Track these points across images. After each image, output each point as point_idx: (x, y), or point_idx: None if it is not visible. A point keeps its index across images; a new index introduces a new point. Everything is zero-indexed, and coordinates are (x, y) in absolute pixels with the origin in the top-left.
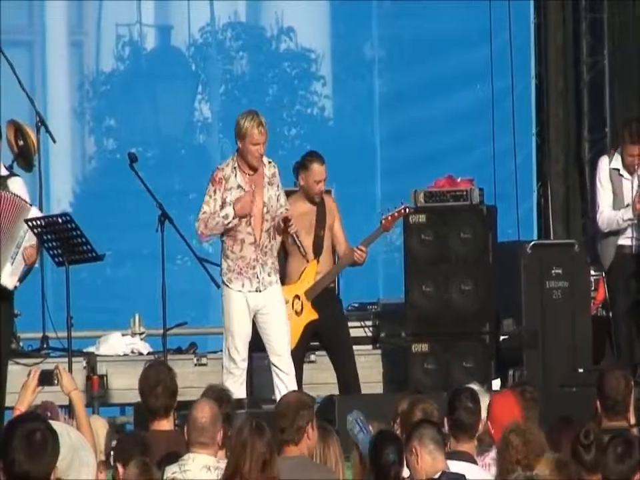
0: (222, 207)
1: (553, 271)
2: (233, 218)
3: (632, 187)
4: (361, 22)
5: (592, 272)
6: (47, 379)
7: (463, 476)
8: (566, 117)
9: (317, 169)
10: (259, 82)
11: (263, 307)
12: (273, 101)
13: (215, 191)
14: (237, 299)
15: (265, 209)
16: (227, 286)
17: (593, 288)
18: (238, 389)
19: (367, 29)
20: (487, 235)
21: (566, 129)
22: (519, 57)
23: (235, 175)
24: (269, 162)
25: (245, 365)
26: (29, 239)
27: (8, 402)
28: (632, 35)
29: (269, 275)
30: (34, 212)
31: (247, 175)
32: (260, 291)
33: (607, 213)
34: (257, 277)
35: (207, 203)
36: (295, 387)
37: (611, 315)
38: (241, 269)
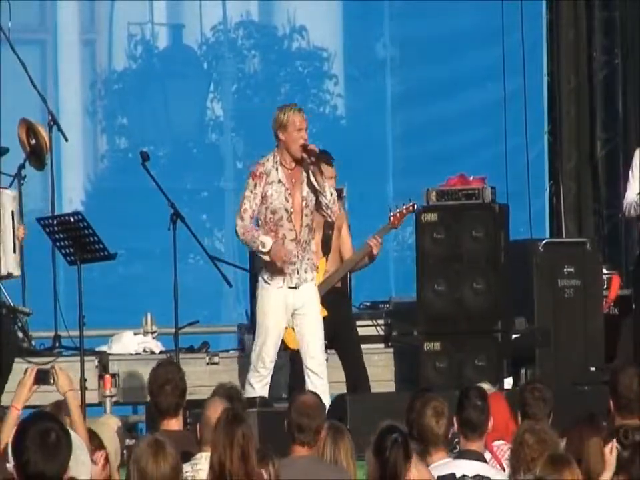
0: (262, 201)
1: (565, 270)
2: (265, 253)
3: None
4: (373, 21)
5: (604, 270)
6: (43, 377)
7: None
8: (578, 114)
9: (326, 169)
10: (271, 81)
11: (300, 307)
12: (285, 99)
13: (255, 186)
14: (274, 296)
15: (304, 203)
16: (267, 282)
17: (605, 286)
18: (261, 388)
19: (379, 28)
20: (499, 233)
21: (578, 127)
22: (531, 55)
23: (276, 170)
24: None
25: (272, 365)
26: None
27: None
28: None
29: (305, 272)
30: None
31: (288, 170)
32: (298, 287)
33: (627, 199)
34: (297, 273)
35: (248, 199)
36: (327, 391)
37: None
38: (280, 265)
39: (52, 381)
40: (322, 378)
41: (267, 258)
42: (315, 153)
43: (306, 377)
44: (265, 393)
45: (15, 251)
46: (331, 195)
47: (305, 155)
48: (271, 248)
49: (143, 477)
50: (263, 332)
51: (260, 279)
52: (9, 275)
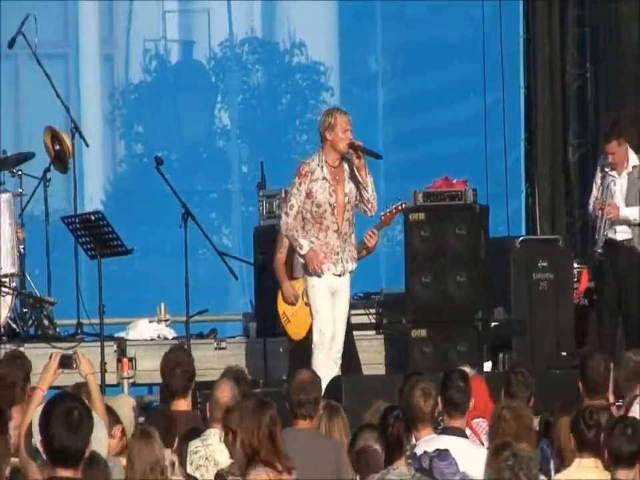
0: (307, 196)
1: (539, 264)
2: (302, 255)
3: (622, 185)
4: (366, 37)
5: (575, 265)
6: (66, 362)
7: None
8: (552, 123)
9: None
10: (273, 92)
11: (336, 291)
12: (286, 109)
13: (300, 184)
14: (322, 286)
15: (347, 199)
16: (314, 275)
17: (575, 279)
18: (331, 366)
19: (371, 44)
20: (480, 231)
21: (552, 135)
22: (510, 70)
23: (321, 168)
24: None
25: (330, 343)
26: None
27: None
28: (612, 49)
29: (347, 262)
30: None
31: (332, 168)
32: (341, 275)
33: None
34: (340, 262)
35: (294, 196)
36: (338, 364)
37: (595, 297)
38: (325, 255)
39: (74, 365)
40: (338, 356)
41: (302, 260)
42: (362, 148)
43: (334, 358)
44: (335, 370)
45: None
46: (373, 190)
47: (352, 151)
48: (307, 252)
49: (132, 464)
50: (317, 317)
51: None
52: (12, 274)
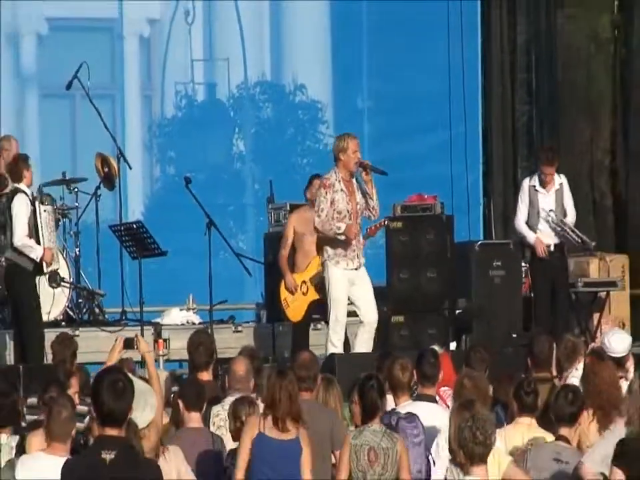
0: (331, 204)
1: (494, 263)
2: (341, 233)
3: (549, 201)
4: (355, 82)
5: (522, 264)
6: (129, 344)
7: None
8: (504, 149)
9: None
10: (280, 125)
11: (355, 280)
12: (291, 139)
13: (327, 193)
14: (341, 277)
15: (358, 207)
16: (335, 267)
17: (523, 276)
18: (340, 345)
19: (359, 86)
20: (446, 236)
21: (504, 159)
22: (471, 109)
23: (339, 182)
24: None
25: (344, 332)
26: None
27: (100, 358)
28: (550, 92)
29: (359, 257)
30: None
31: (346, 182)
32: (357, 269)
33: (520, 226)
34: (357, 257)
35: (323, 202)
36: (372, 337)
37: (532, 294)
38: (345, 253)
39: (135, 346)
40: (370, 330)
41: (342, 237)
42: (370, 167)
43: (360, 330)
44: (341, 348)
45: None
46: (376, 200)
47: (361, 168)
48: (346, 227)
49: None
50: (336, 304)
51: (328, 264)
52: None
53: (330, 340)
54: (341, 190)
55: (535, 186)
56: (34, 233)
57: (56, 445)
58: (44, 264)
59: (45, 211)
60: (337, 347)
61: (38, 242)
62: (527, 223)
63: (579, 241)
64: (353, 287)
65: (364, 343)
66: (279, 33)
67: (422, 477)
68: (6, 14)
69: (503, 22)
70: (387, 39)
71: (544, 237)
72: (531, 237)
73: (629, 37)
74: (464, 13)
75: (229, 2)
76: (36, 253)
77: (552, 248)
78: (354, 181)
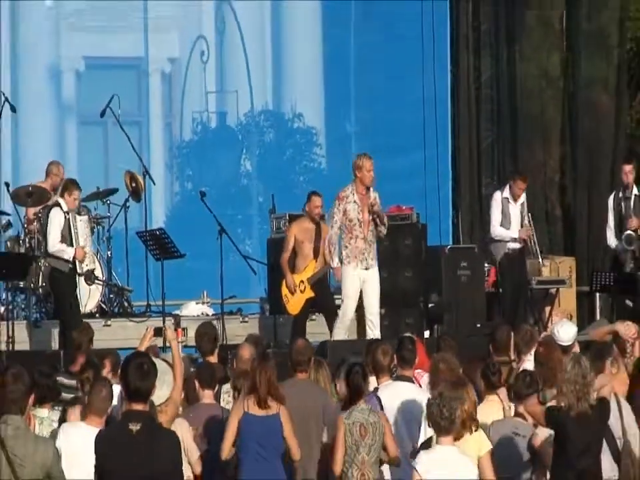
0: (344, 213)
1: (461, 264)
2: (332, 266)
3: (516, 211)
4: (344, 110)
5: (485, 265)
6: (158, 332)
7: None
8: (470, 168)
9: (316, 200)
10: (281, 147)
11: (365, 279)
12: (290, 160)
13: (339, 204)
14: (352, 274)
15: (370, 217)
16: (348, 267)
17: (486, 275)
18: (344, 334)
19: (347, 114)
20: (421, 242)
21: (470, 176)
22: (442, 133)
23: (353, 194)
24: (374, 190)
25: (351, 319)
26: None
27: (128, 344)
28: (512, 118)
29: (371, 260)
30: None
31: (360, 195)
32: (367, 269)
33: (499, 229)
34: (366, 260)
35: (336, 214)
36: (378, 327)
37: (500, 290)
38: (356, 255)
39: (163, 335)
40: (375, 326)
41: (334, 265)
42: (378, 213)
43: (367, 324)
44: (345, 336)
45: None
46: (385, 219)
47: (372, 213)
48: (335, 265)
49: None
50: (346, 299)
51: (343, 264)
52: (93, 270)
53: (337, 327)
54: (354, 202)
55: (507, 198)
56: (68, 239)
57: (93, 417)
58: (77, 262)
59: (81, 220)
60: (341, 335)
61: (71, 245)
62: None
63: (536, 250)
64: (364, 284)
65: (366, 329)
66: (279, 69)
67: None
68: (50, 54)
69: (470, 62)
70: (371, 75)
71: (513, 240)
72: (512, 233)
73: (575, 74)
74: (437, 53)
75: (238, 44)
76: (68, 254)
77: (517, 252)
78: (369, 195)
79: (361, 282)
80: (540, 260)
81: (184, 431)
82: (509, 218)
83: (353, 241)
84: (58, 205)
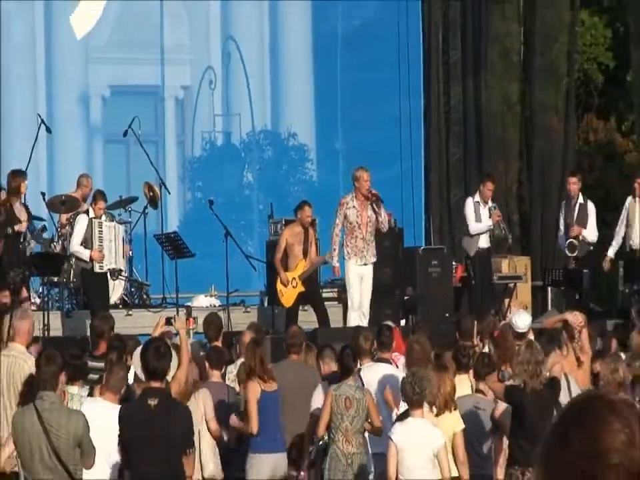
0: (345, 217)
1: (432, 262)
2: (333, 263)
3: (486, 212)
4: (332, 131)
5: (453, 263)
6: (168, 321)
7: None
8: (439, 180)
9: (307, 209)
10: (278, 162)
11: (363, 274)
12: (285, 172)
13: (340, 210)
14: (353, 269)
15: (368, 220)
16: (350, 262)
17: (454, 272)
18: (358, 318)
19: (335, 134)
20: (398, 243)
21: (440, 187)
22: (416, 149)
23: (353, 200)
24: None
25: (358, 306)
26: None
27: (146, 331)
28: (478, 139)
29: (369, 257)
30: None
31: (359, 201)
32: (365, 265)
33: (474, 225)
34: (364, 257)
35: (338, 218)
36: (366, 321)
37: (473, 282)
38: (355, 252)
39: (173, 323)
40: (366, 316)
41: (334, 263)
42: (377, 195)
43: (361, 315)
44: (358, 322)
45: (122, 257)
46: (383, 216)
47: (370, 195)
48: (334, 264)
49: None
50: (349, 289)
51: (345, 260)
52: (120, 270)
53: (349, 315)
54: (353, 207)
55: (478, 202)
56: (90, 242)
57: (109, 394)
58: (94, 263)
59: (108, 226)
60: (356, 320)
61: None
62: None
63: (505, 232)
64: (361, 278)
65: (359, 322)
66: (277, 96)
67: None
68: (80, 82)
69: (440, 88)
70: (356, 101)
71: (482, 240)
72: (486, 224)
73: (530, 100)
74: (411, 81)
75: (241, 74)
76: (85, 255)
77: (485, 251)
78: (367, 201)
79: (359, 277)
80: (509, 239)
81: (205, 398)
82: (480, 218)
83: (353, 240)
84: (86, 212)
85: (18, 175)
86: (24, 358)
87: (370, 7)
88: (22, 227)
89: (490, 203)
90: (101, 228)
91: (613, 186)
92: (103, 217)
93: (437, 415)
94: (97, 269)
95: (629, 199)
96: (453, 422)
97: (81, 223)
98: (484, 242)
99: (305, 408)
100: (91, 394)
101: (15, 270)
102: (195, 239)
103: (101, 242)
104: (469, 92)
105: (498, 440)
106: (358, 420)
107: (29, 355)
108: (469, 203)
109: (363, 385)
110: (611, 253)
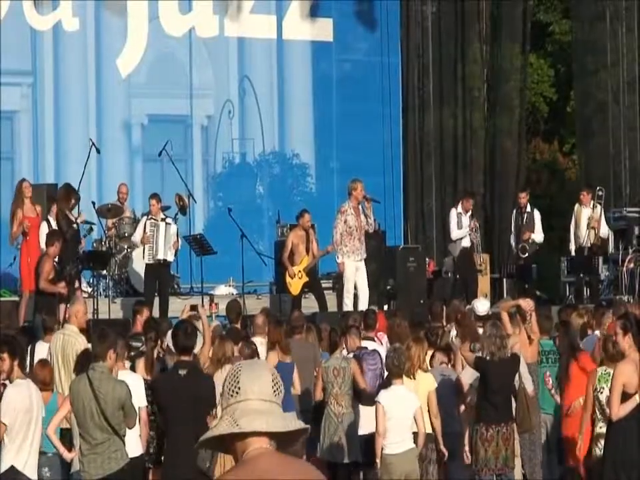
0: (344, 222)
1: (410, 259)
2: (339, 262)
3: (467, 220)
4: (328, 152)
5: (426, 259)
6: (193, 308)
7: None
8: (416, 190)
9: (306, 216)
10: (284, 177)
11: (359, 268)
12: (289, 186)
13: (341, 216)
14: (350, 264)
15: (362, 224)
16: (348, 258)
17: (427, 267)
18: (350, 304)
19: (330, 155)
20: (381, 243)
21: (416, 196)
22: (396, 163)
23: (350, 208)
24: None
25: (352, 297)
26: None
27: (177, 315)
28: (444, 161)
29: (363, 254)
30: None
31: (355, 207)
32: (360, 260)
33: (456, 232)
34: (360, 254)
35: (339, 225)
36: (366, 305)
37: (457, 276)
38: (353, 251)
39: (197, 309)
40: (363, 302)
41: (340, 261)
42: (369, 197)
43: (358, 299)
44: (352, 307)
45: (171, 249)
46: (373, 219)
47: (364, 200)
48: (341, 262)
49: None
50: (346, 280)
51: (343, 256)
52: (166, 260)
53: (344, 302)
54: (351, 213)
55: (460, 212)
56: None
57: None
58: (145, 252)
59: (163, 224)
60: (348, 305)
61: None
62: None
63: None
64: (357, 271)
65: (350, 305)
66: (283, 124)
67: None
68: (123, 112)
69: (415, 118)
70: (348, 127)
71: (464, 241)
72: (465, 230)
73: (490, 126)
74: (392, 111)
75: (254, 106)
76: (137, 238)
77: (467, 249)
78: (360, 207)
79: (356, 269)
80: (479, 251)
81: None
82: (461, 225)
83: (352, 241)
84: (143, 215)
85: (65, 187)
86: (75, 337)
87: (359, 51)
88: (82, 216)
89: (470, 212)
90: (156, 226)
91: (556, 196)
92: (160, 215)
93: (413, 374)
94: (146, 260)
95: (577, 206)
96: (427, 382)
97: (142, 220)
98: (466, 242)
99: (307, 374)
100: (133, 367)
101: (70, 265)
102: (217, 239)
103: (155, 236)
104: (440, 120)
105: (462, 401)
106: (345, 385)
107: (80, 334)
108: (452, 214)
109: (361, 359)
110: (572, 247)
